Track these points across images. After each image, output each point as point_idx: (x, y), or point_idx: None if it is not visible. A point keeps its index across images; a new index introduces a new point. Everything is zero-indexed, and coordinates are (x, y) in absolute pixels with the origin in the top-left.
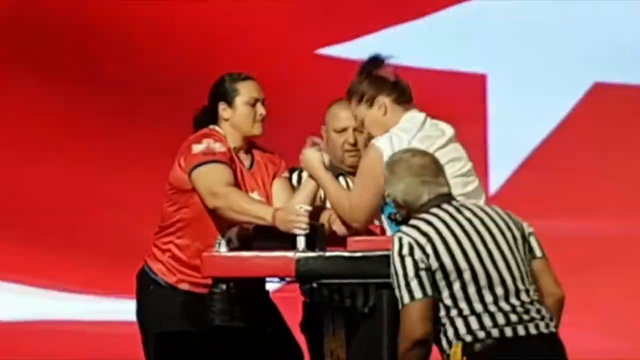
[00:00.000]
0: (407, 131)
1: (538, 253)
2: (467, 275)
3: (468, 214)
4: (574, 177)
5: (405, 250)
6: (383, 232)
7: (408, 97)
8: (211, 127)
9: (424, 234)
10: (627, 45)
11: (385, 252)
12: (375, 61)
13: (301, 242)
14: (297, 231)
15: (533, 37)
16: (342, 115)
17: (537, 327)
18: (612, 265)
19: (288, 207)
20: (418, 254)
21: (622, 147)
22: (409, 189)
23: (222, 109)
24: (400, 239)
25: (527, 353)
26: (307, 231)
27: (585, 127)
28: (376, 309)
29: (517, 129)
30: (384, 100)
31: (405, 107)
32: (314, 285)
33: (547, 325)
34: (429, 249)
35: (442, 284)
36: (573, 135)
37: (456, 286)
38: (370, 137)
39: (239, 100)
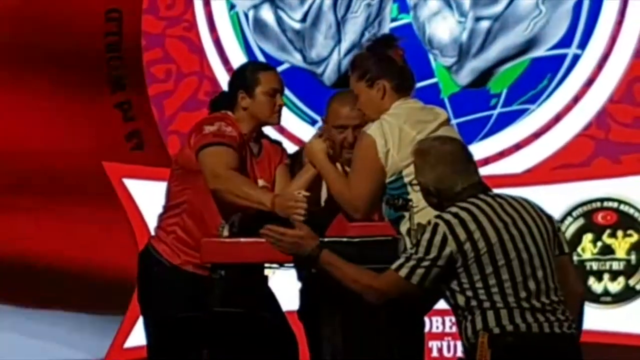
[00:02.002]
0: (397, 117)
1: (566, 249)
2: (504, 270)
3: (506, 206)
4: None
5: (437, 240)
6: (382, 218)
7: (409, 86)
8: (223, 111)
9: (464, 226)
10: None
11: (384, 238)
12: (387, 40)
13: None
14: (295, 217)
15: None
16: (342, 113)
17: (560, 327)
18: None
19: (287, 193)
20: (448, 249)
21: None
22: (442, 177)
23: (242, 97)
24: (436, 226)
25: (550, 349)
26: (306, 217)
27: None
28: None
29: None
30: (384, 83)
31: (401, 95)
32: (312, 271)
33: (569, 327)
34: (467, 246)
35: (477, 277)
36: None
37: (492, 280)
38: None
39: (259, 90)
